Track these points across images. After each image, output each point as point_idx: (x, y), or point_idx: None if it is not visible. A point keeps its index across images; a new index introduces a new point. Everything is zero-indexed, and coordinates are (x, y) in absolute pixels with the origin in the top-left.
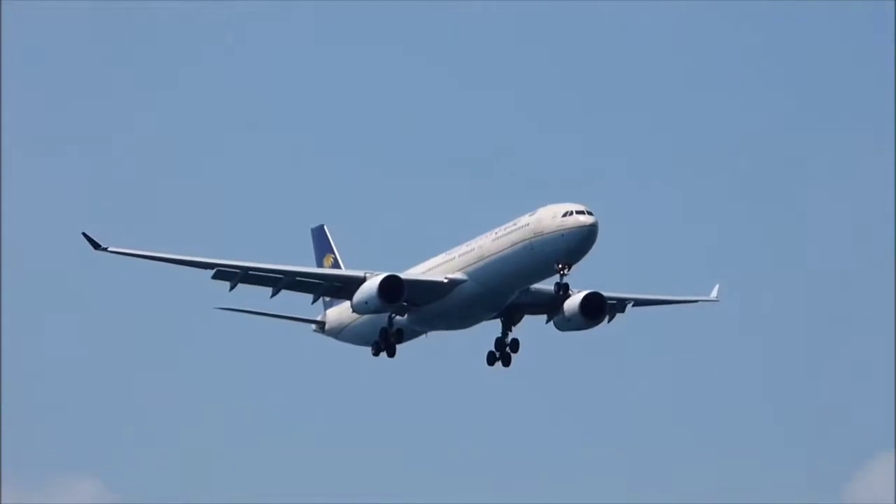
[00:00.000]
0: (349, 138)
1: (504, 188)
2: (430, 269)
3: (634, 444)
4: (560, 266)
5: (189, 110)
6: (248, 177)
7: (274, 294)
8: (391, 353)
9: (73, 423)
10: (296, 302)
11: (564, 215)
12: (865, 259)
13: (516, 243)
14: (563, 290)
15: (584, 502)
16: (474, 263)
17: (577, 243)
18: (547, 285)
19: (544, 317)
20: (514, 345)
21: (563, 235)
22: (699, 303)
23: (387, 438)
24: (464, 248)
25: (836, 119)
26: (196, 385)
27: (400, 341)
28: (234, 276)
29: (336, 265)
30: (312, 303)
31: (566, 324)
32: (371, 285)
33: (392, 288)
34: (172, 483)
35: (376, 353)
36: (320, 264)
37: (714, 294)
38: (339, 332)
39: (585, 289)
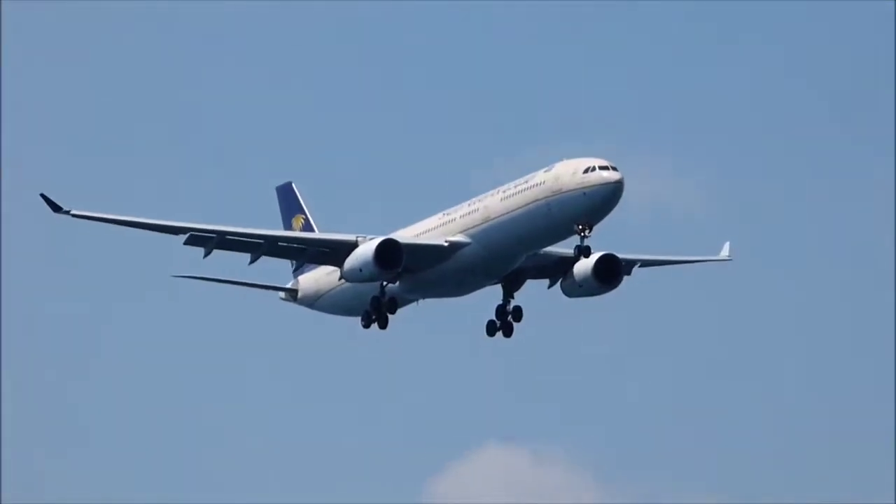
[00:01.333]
0: (314, 83)
1: (497, 140)
2: (424, 232)
3: (648, 424)
4: (580, 227)
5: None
6: (204, 131)
7: (253, 261)
8: (383, 325)
9: (32, 400)
10: (260, 267)
11: (586, 171)
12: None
13: (529, 203)
14: (584, 254)
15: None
16: (479, 225)
17: (601, 202)
18: (556, 247)
19: (546, 281)
20: (517, 313)
21: (584, 193)
22: (710, 262)
23: (381, 422)
24: (465, 207)
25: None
26: (164, 363)
27: (394, 311)
28: (209, 241)
29: (307, 227)
30: (294, 270)
31: (576, 289)
32: (366, 251)
33: (389, 253)
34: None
35: (367, 325)
36: (288, 227)
37: (725, 252)
38: (315, 301)
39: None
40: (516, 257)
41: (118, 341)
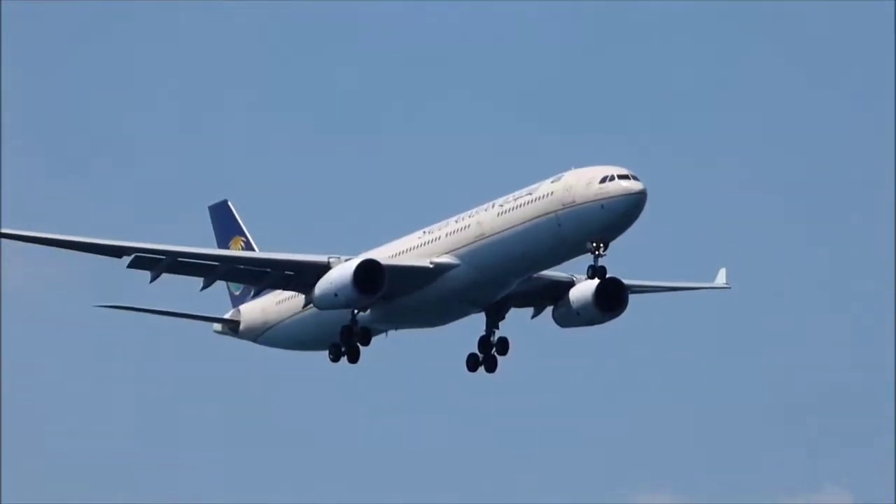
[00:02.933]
0: (251, 90)
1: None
2: (400, 253)
3: (648, 466)
4: (595, 244)
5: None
6: (131, 144)
7: (206, 286)
8: (354, 358)
9: None
10: (184, 294)
11: (603, 181)
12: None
13: (534, 217)
14: (599, 275)
15: None
16: (470, 244)
17: (622, 215)
18: (548, 271)
19: (531, 310)
20: (502, 345)
21: (602, 206)
22: (708, 289)
23: (356, 473)
24: (451, 224)
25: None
26: (77, 408)
27: (367, 342)
28: (158, 264)
29: (248, 250)
30: (253, 297)
31: (573, 318)
32: (342, 273)
33: (370, 275)
34: None
35: (335, 359)
36: (226, 249)
37: (722, 279)
38: (261, 334)
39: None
40: (511, 281)
41: (23, 379)
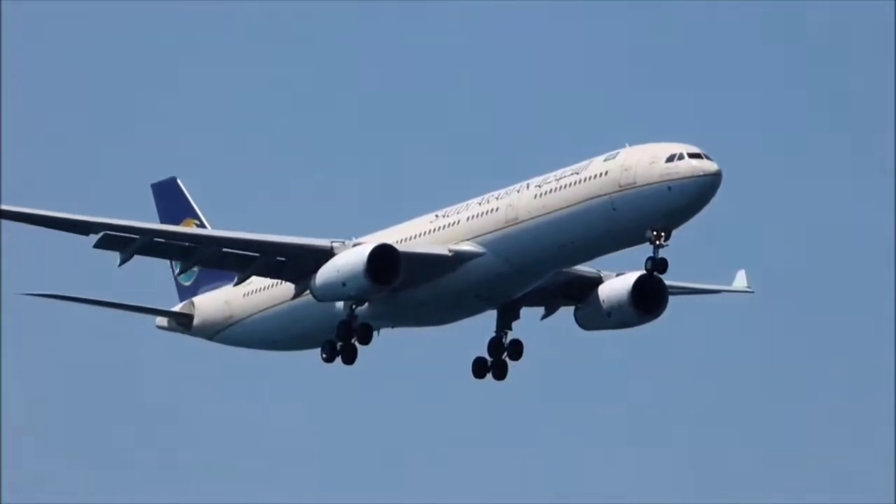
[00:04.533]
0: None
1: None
2: (406, 240)
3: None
4: (655, 233)
5: None
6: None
7: (185, 270)
8: (350, 359)
9: None
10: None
11: (670, 159)
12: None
13: (583, 200)
14: (659, 269)
15: None
16: (499, 229)
17: (693, 199)
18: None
19: (540, 310)
20: (516, 348)
21: (670, 189)
22: (729, 293)
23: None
24: (474, 206)
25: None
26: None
27: (367, 341)
28: (130, 244)
29: None
30: (235, 285)
31: (601, 320)
32: (353, 260)
33: (384, 263)
34: None
35: (329, 359)
36: None
37: (742, 282)
38: (221, 330)
39: None
40: (543, 273)
41: None
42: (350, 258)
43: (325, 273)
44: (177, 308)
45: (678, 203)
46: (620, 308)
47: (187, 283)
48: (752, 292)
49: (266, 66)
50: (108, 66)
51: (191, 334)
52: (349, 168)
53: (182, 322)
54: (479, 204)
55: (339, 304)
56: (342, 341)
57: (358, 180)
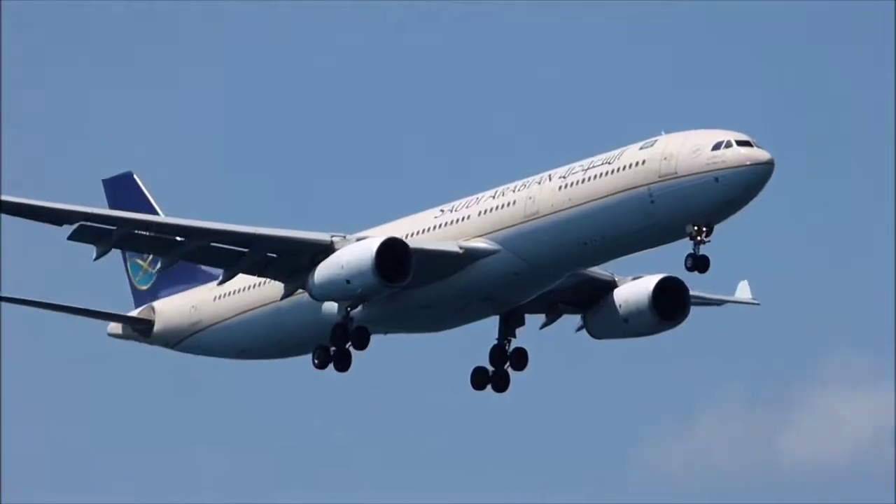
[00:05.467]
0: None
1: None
2: (408, 235)
3: None
4: (697, 227)
5: None
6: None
7: (166, 266)
8: (344, 366)
9: None
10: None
11: (717, 147)
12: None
13: (615, 192)
14: (700, 267)
15: None
16: (515, 225)
17: (742, 192)
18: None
19: (540, 317)
20: (520, 357)
21: (717, 180)
22: (733, 303)
23: None
24: (485, 200)
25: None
26: None
27: (364, 346)
28: (108, 236)
29: None
30: (221, 283)
31: (617, 327)
32: (359, 255)
33: (394, 258)
34: None
35: (321, 364)
36: None
37: (745, 292)
38: (187, 337)
39: None
40: (564, 274)
41: None
42: (356, 253)
43: (327, 269)
44: (134, 313)
45: (726, 195)
46: (640, 313)
47: (144, 287)
48: (758, 304)
49: (228, 55)
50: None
51: (149, 342)
52: (318, 161)
53: (139, 329)
54: (493, 197)
55: (328, 308)
56: (336, 346)
57: (333, 175)
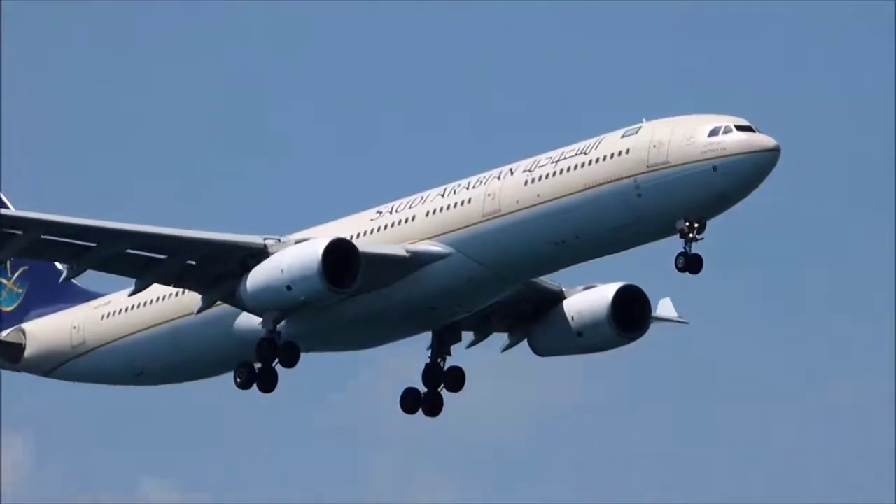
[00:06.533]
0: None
1: None
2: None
3: None
4: (689, 223)
5: None
6: None
7: (71, 276)
8: (269, 385)
9: None
10: None
11: (714, 133)
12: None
13: (597, 185)
14: (692, 267)
15: None
16: (471, 225)
17: (743, 182)
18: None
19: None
20: (455, 378)
21: (715, 168)
22: (661, 321)
23: None
24: (434, 199)
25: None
26: None
27: (294, 363)
28: (10, 241)
29: None
30: (134, 293)
31: (568, 341)
32: (303, 257)
33: (341, 261)
34: None
35: (244, 384)
36: None
37: (671, 310)
38: (66, 362)
39: None
40: (527, 278)
41: None
42: (299, 255)
43: (264, 274)
44: (1, 336)
45: (724, 186)
46: (595, 326)
47: (9, 308)
48: (687, 323)
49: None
50: None
51: (16, 369)
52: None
53: (6, 354)
54: (442, 196)
55: (243, 323)
56: (263, 363)
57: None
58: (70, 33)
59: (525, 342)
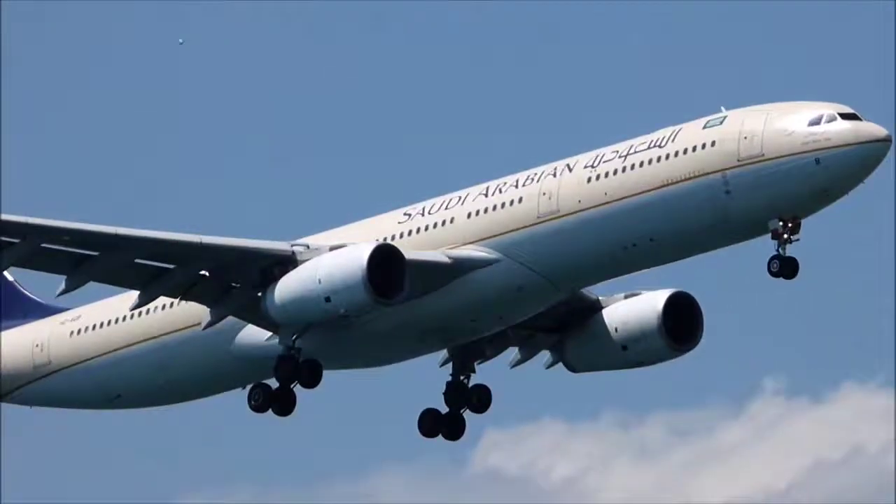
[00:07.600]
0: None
1: None
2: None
3: None
4: (783, 224)
5: None
6: None
7: (71, 287)
8: (286, 409)
9: None
10: None
11: (815, 123)
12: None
13: (677, 181)
14: (787, 271)
15: None
16: (527, 226)
17: (849, 176)
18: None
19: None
20: (481, 397)
21: (818, 161)
22: None
23: None
24: (476, 199)
25: None
26: None
27: (315, 383)
28: (9, 249)
29: None
30: (136, 307)
31: (611, 354)
32: (345, 265)
33: (386, 269)
34: None
35: (260, 406)
36: None
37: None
38: (27, 384)
39: None
40: (582, 285)
41: None
42: (339, 264)
43: (297, 284)
44: None
45: (828, 181)
46: (644, 338)
47: None
48: None
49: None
50: None
51: None
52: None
53: None
54: (485, 195)
55: (244, 340)
56: (282, 383)
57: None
58: (71, 33)
59: (538, 354)
